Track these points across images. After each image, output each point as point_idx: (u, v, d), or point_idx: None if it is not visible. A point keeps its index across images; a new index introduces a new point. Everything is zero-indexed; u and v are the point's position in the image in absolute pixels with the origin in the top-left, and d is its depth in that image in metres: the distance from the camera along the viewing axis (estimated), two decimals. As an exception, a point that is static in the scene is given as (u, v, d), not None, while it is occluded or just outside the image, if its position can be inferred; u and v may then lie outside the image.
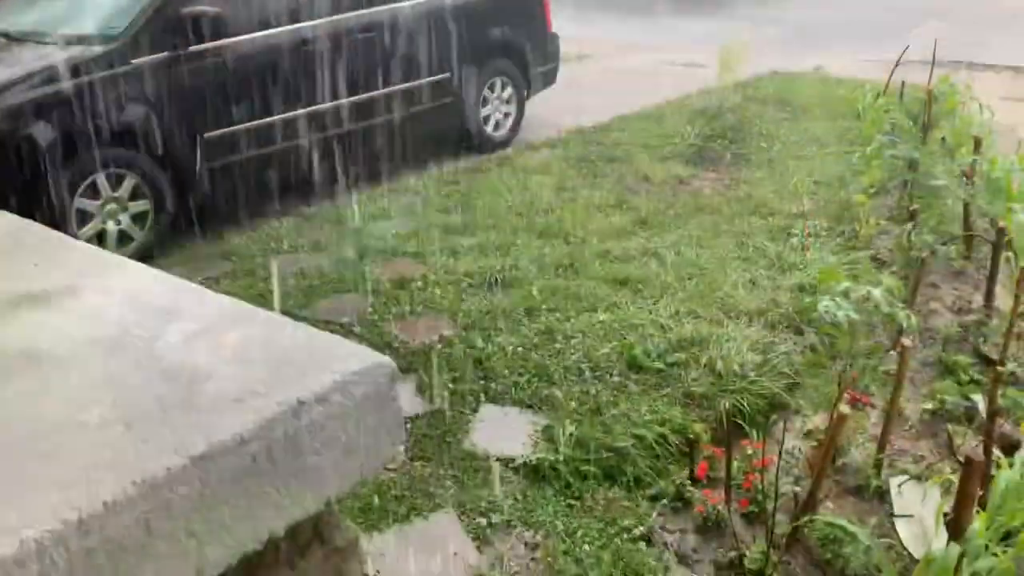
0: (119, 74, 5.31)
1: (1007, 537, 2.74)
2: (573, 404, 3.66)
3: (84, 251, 1.22)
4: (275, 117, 6.05)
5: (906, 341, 3.16)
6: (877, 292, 2.95)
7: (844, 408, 2.68)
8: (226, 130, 5.82)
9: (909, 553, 3.01)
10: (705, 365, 3.96)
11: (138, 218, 5.53)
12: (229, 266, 5.35)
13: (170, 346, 0.94)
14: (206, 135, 5.73)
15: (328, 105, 6.32)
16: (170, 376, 0.88)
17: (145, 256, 5.49)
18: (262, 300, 4.75)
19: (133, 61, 5.37)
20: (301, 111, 6.18)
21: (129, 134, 5.36)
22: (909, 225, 4.91)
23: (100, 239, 5.33)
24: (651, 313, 4.50)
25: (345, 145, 6.51)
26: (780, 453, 2.67)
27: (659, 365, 3.97)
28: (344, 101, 6.41)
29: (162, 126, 5.50)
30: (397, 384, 0.91)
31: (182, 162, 5.66)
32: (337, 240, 5.66)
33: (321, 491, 0.87)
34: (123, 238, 5.48)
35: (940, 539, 3.04)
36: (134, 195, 5.49)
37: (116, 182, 5.39)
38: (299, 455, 0.84)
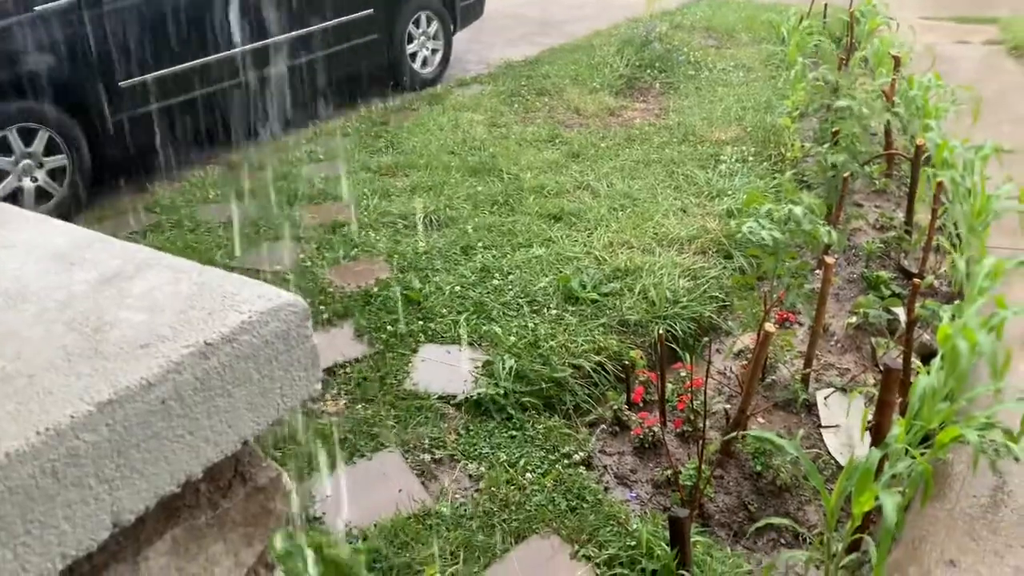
0: (22, 21, 5.06)
1: (926, 440, 2.89)
2: (512, 339, 3.69)
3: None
4: (193, 62, 5.85)
5: (828, 258, 3.25)
6: (798, 210, 3.02)
7: (769, 327, 2.76)
8: (142, 77, 5.60)
9: (836, 461, 3.15)
10: (639, 293, 4.03)
11: (56, 174, 5.33)
12: (155, 218, 5.22)
13: (73, 296, 0.92)
14: (121, 84, 5.51)
15: (247, 48, 6.12)
16: (74, 326, 0.87)
17: (67, 212, 5.32)
18: (189, 252, 4.66)
19: (36, 8, 5.11)
20: (220, 55, 5.98)
21: (38, 86, 5.13)
22: (827, 147, 5.00)
23: (16, 197, 5.14)
24: (585, 246, 4.55)
25: (268, 89, 6.34)
26: (707, 372, 2.74)
27: (594, 296, 4.02)
28: (264, 43, 6.21)
29: (73, 76, 5.28)
30: (310, 322, 0.91)
31: (98, 113, 5.45)
32: (265, 187, 5.55)
33: (237, 431, 0.88)
34: (41, 195, 5.29)
35: (864, 446, 3.19)
36: (50, 150, 5.28)
37: (29, 137, 5.18)
38: (210, 397, 0.84)
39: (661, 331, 3.74)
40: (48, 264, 1.00)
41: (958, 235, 4.52)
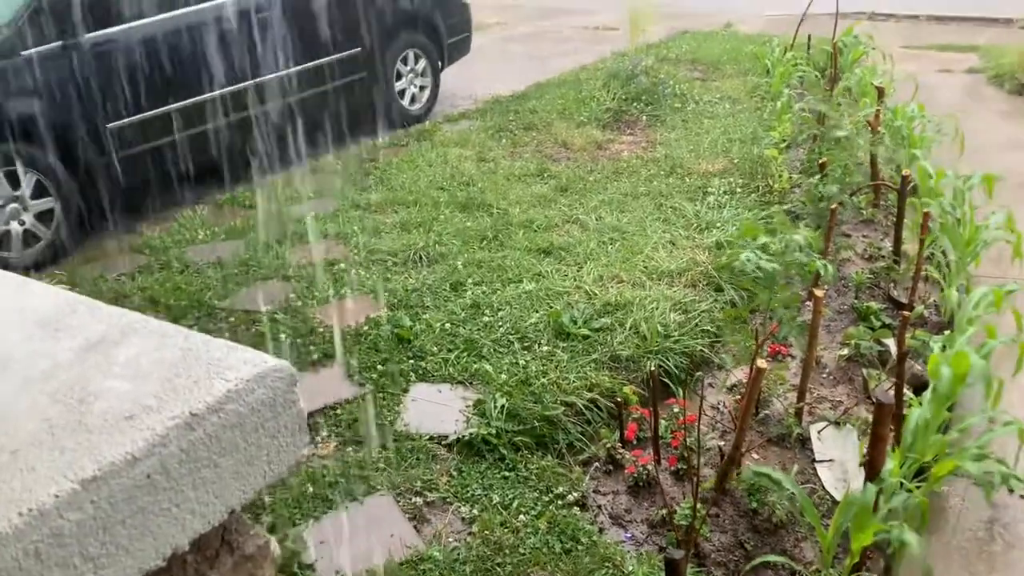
0: (7, 67, 5.07)
1: (920, 473, 2.88)
2: (503, 376, 3.68)
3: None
4: (181, 103, 5.87)
5: (818, 292, 3.26)
6: (799, 239, 3.03)
7: (762, 363, 2.76)
8: (131, 119, 5.62)
9: (831, 496, 3.14)
10: (630, 328, 4.02)
11: (44, 216, 5.33)
12: (144, 260, 5.21)
13: (58, 364, 0.91)
14: (109, 125, 5.52)
15: (236, 87, 6.15)
16: (58, 397, 0.86)
17: (56, 255, 5.31)
18: (179, 294, 4.64)
19: (23, 53, 5.13)
20: (208, 95, 6.01)
21: (24, 129, 5.13)
22: (816, 178, 5.04)
23: (3, 242, 5.12)
24: (576, 280, 4.55)
25: (256, 128, 6.37)
26: (700, 408, 2.73)
27: (585, 331, 4.02)
28: (252, 82, 6.25)
29: (61, 119, 5.29)
30: (297, 387, 0.90)
31: (86, 155, 5.46)
32: (254, 226, 5.55)
33: (224, 501, 0.86)
34: (29, 238, 5.28)
35: (860, 480, 3.18)
36: (37, 192, 5.28)
37: (15, 180, 5.17)
38: (196, 468, 0.83)
39: (653, 367, 3.73)
40: (32, 330, 0.99)
41: (947, 264, 4.55)
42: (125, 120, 5.59)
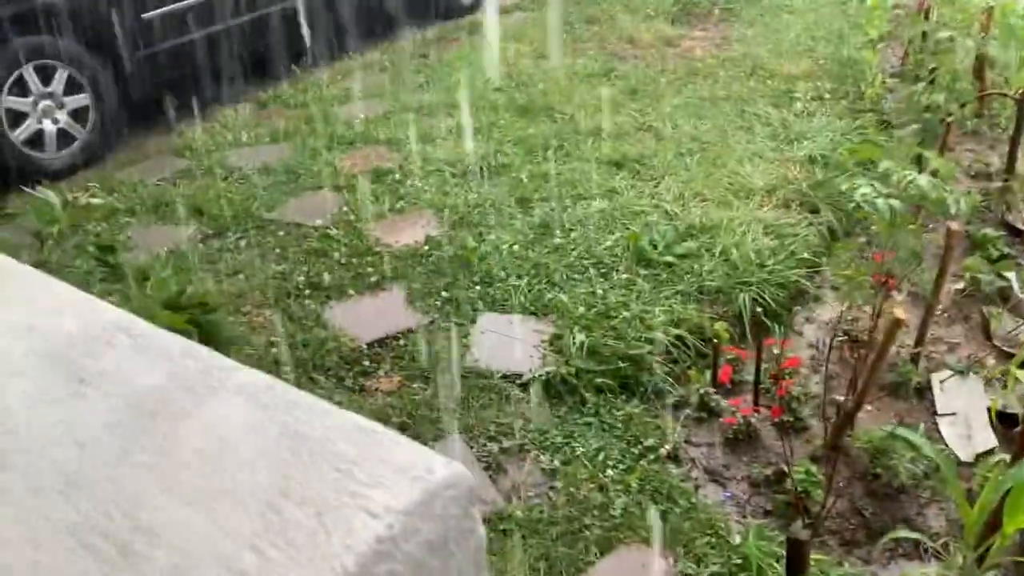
0: (33, -51, 4.63)
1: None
2: (581, 309, 3.33)
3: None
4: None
5: (954, 226, 2.84)
6: (923, 180, 2.60)
7: (900, 312, 2.38)
8: (168, 8, 5.17)
9: (956, 455, 2.80)
10: (719, 255, 3.64)
11: (78, 115, 4.96)
12: (184, 163, 4.86)
13: (85, 460, 0.57)
14: (144, 16, 5.09)
15: (277, -26, 5.65)
16: (84, 537, 0.52)
17: (92, 156, 4.98)
18: (223, 203, 4.31)
19: (48, -67, 4.67)
20: (248, -17, 5.52)
21: (54, 19, 4.72)
22: (921, 85, 4.50)
23: (37, 142, 4.79)
24: (653, 198, 4.14)
25: (300, 19, 5.88)
26: (827, 358, 2.37)
27: (668, 258, 3.64)
28: (295, -32, 5.73)
29: (92, 8, 4.86)
30: (476, 509, 0.56)
31: (121, 48, 5.05)
32: (300, 128, 5.15)
33: None
34: (63, 137, 4.94)
35: (986, 437, 2.83)
36: (70, 89, 4.90)
37: (47, 76, 4.80)
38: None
39: (747, 300, 3.37)
40: (45, 378, 0.64)
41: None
42: (162, 9, 5.15)
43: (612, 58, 6.04)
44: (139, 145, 5.20)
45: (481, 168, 4.53)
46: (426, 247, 3.84)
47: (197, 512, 0.52)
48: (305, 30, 5.89)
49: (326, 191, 4.45)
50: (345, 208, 4.25)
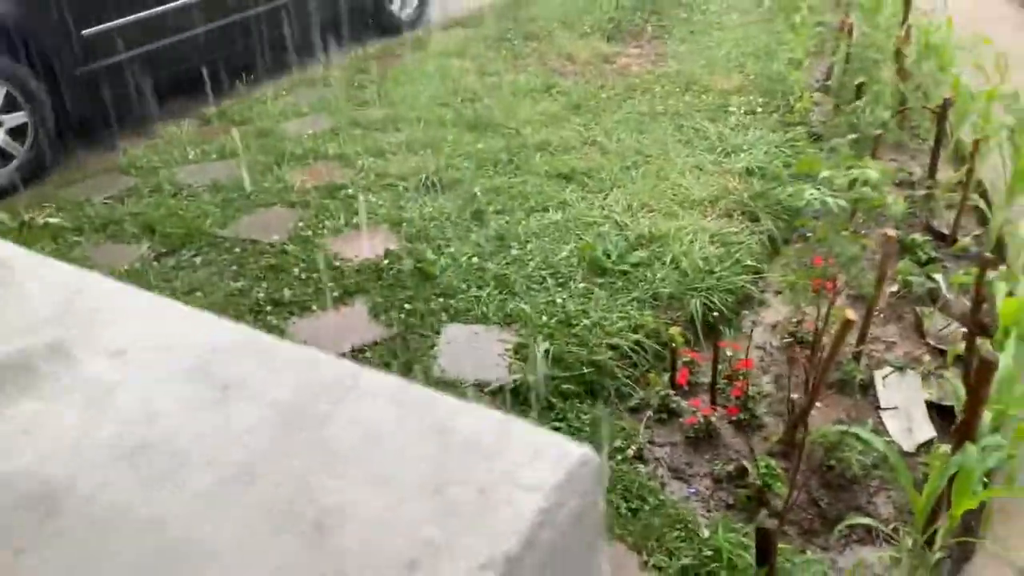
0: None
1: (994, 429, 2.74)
2: (544, 318, 3.45)
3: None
4: (162, 7, 5.36)
5: (890, 232, 3.05)
6: (874, 175, 2.80)
7: (851, 314, 2.56)
8: (107, 25, 5.12)
9: (899, 446, 3.00)
10: (669, 263, 3.80)
11: (16, 133, 4.87)
12: (131, 181, 4.81)
13: (253, 452, 0.65)
14: (84, 32, 5.03)
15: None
16: (276, 517, 0.59)
17: (33, 174, 4.89)
18: (176, 221, 4.30)
19: (-15, -51, 4.59)
20: (190, 0, 5.50)
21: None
22: (861, 101, 4.77)
23: (-25, 161, 4.69)
24: (603, 209, 4.29)
25: (240, 35, 5.88)
26: (790, 366, 2.53)
27: (622, 267, 3.79)
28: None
29: (31, 25, 4.78)
30: (601, 486, 0.65)
31: (60, 65, 4.97)
32: (248, 144, 5.15)
33: None
34: (1, 156, 4.83)
35: (925, 429, 3.04)
36: (8, 106, 4.81)
37: (-17, 93, 4.70)
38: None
39: (698, 305, 3.54)
40: (184, 385, 0.71)
41: (982, 194, 4.37)
42: (102, 26, 5.09)
43: (553, 74, 6.20)
44: (82, 163, 5.13)
45: (434, 183, 4.61)
46: (386, 261, 3.91)
47: (368, 496, 0.61)
48: (246, 46, 5.89)
49: (279, 207, 4.47)
50: (301, 224, 4.28)
